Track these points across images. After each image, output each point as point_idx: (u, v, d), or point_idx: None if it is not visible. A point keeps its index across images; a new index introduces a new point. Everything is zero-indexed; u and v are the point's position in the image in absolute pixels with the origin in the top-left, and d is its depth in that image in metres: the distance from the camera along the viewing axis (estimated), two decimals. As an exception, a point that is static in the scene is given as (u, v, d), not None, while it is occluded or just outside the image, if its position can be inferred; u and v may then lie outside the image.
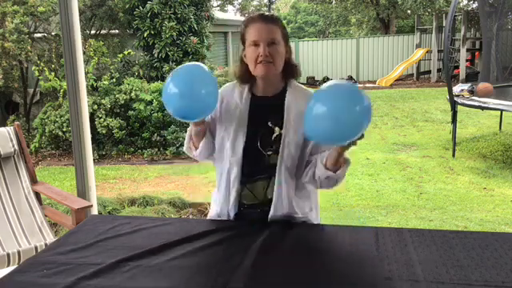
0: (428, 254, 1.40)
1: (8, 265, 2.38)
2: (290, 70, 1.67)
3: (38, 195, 2.85)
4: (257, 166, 1.63)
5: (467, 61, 14.29)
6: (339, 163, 1.54)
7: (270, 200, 1.64)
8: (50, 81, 6.80)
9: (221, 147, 1.69)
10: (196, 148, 1.69)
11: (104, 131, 6.77)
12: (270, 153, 1.61)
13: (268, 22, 1.59)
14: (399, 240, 1.51)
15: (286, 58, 1.63)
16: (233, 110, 1.66)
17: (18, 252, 2.45)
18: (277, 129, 1.61)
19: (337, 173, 1.56)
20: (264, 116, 1.63)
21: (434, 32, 15.55)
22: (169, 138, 6.78)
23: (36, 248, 2.50)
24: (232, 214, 1.68)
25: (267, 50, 1.54)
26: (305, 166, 1.64)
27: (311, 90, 1.71)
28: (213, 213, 1.78)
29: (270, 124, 1.62)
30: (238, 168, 1.63)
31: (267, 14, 1.67)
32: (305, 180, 1.64)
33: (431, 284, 1.24)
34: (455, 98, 6.27)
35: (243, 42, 1.64)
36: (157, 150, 6.89)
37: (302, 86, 1.73)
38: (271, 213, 1.63)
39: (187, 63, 1.65)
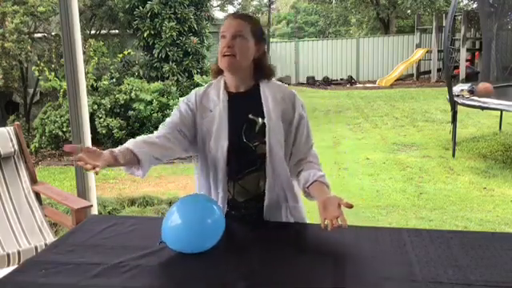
0: (426, 254, 1.40)
1: (8, 265, 2.38)
2: (262, 71, 1.67)
3: (38, 195, 2.85)
4: (245, 160, 1.64)
5: (467, 61, 14.30)
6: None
7: (263, 194, 1.65)
8: (50, 81, 6.80)
9: (203, 149, 1.68)
10: (136, 171, 1.58)
11: (104, 131, 6.77)
12: (256, 143, 1.62)
13: (238, 17, 1.64)
14: (398, 240, 1.51)
15: (256, 57, 1.64)
16: (211, 110, 1.66)
17: (18, 252, 2.45)
18: (259, 119, 1.63)
19: (310, 198, 1.64)
20: (243, 110, 1.64)
21: (433, 32, 15.56)
22: (169, 138, 6.77)
23: (36, 248, 2.50)
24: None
25: (231, 42, 1.58)
26: (288, 157, 1.68)
27: (285, 85, 1.74)
28: None
29: (251, 116, 1.63)
30: (224, 166, 1.62)
31: (241, 12, 1.70)
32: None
33: (430, 284, 1.24)
34: (455, 98, 6.27)
35: None
36: (157, 150, 6.87)
37: (276, 81, 1.73)
38: (265, 210, 1.65)
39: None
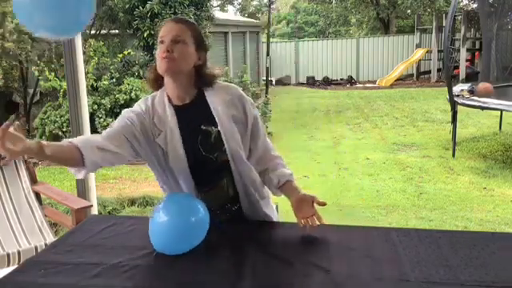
0: (417, 254, 1.40)
1: (8, 265, 2.38)
2: (203, 78, 1.60)
3: (38, 195, 2.85)
4: (209, 172, 1.59)
5: (467, 61, 14.30)
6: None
7: (234, 197, 1.64)
8: (50, 81, 6.80)
9: (164, 169, 1.60)
10: (77, 171, 1.50)
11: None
12: (216, 154, 1.58)
13: (178, 22, 1.58)
14: (387, 240, 1.51)
15: (196, 65, 1.57)
16: (161, 129, 1.56)
17: (18, 252, 2.45)
18: (213, 128, 1.57)
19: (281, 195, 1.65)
20: (194, 122, 1.57)
21: (433, 32, 15.55)
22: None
23: (36, 248, 2.50)
24: None
25: (170, 46, 1.50)
26: (249, 151, 1.65)
27: (229, 83, 1.71)
28: None
29: (203, 127, 1.57)
30: (190, 181, 1.57)
31: (182, 17, 1.69)
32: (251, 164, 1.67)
33: (422, 284, 1.24)
34: (455, 98, 6.27)
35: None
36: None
37: (220, 82, 1.67)
38: (244, 211, 1.65)
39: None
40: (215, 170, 1.60)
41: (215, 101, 1.59)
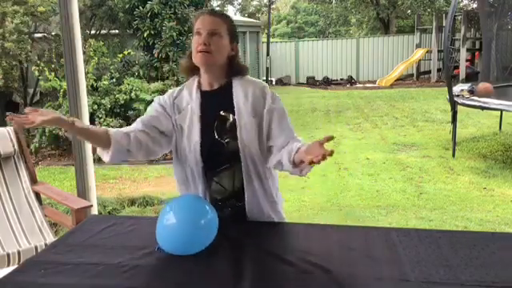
0: (417, 254, 1.40)
1: (8, 265, 2.38)
2: (235, 69, 1.68)
3: (38, 195, 2.85)
4: (218, 156, 1.65)
5: (467, 61, 14.29)
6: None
7: (239, 191, 1.65)
8: (50, 81, 6.80)
9: (177, 148, 1.69)
10: (107, 153, 1.58)
11: (104, 131, 6.76)
12: (227, 140, 1.63)
13: (214, 15, 1.65)
14: (387, 240, 1.51)
15: (230, 56, 1.66)
16: (184, 108, 1.68)
17: (18, 252, 2.45)
18: (230, 116, 1.64)
19: (302, 172, 1.55)
20: (215, 107, 1.66)
21: (434, 32, 15.55)
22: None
23: (36, 248, 2.50)
24: None
25: (207, 39, 1.58)
26: (267, 151, 1.64)
27: (260, 81, 1.73)
28: None
29: (222, 113, 1.65)
30: (199, 162, 1.63)
31: (217, 10, 1.71)
32: (269, 165, 1.67)
33: (422, 284, 1.24)
34: (455, 98, 6.27)
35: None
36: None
37: (250, 77, 1.73)
38: (247, 208, 1.66)
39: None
40: (224, 157, 1.65)
41: (240, 91, 1.66)
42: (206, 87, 1.69)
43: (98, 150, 1.59)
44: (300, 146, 1.54)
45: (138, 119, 1.68)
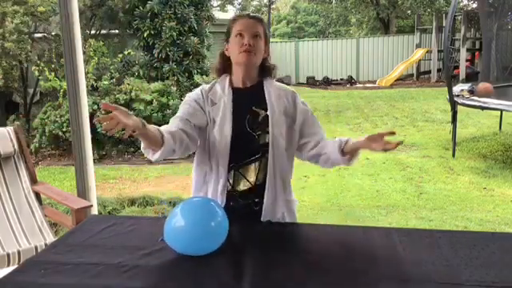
0: (417, 254, 1.40)
1: (8, 265, 2.38)
2: (266, 69, 1.79)
3: (38, 195, 2.85)
4: (248, 148, 1.71)
5: (467, 61, 14.30)
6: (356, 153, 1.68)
7: (260, 186, 1.69)
8: (50, 81, 6.80)
9: (206, 138, 1.72)
10: (153, 151, 1.61)
11: (104, 131, 6.77)
12: (259, 133, 1.70)
13: (254, 18, 1.75)
14: (387, 239, 1.51)
15: (264, 57, 1.75)
16: (217, 101, 1.73)
17: (18, 252, 2.45)
18: (262, 111, 1.72)
19: (350, 162, 1.69)
20: (247, 102, 1.74)
21: (433, 32, 15.55)
22: (169, 138, 6.77)
23: (36, 248, 2.50)
24: (220, 203, 1.68)
25: (251, 41, 1.67)
26: (303, 145, 1.77)
27: (286, 86, 1.84)
28: None
29: (254, 108, 1.72)
30: (227, 152, 1.67)
31: (254, 14, 1.86)
32: (305, 156, 1.79)
33: (422, 284, 1.24)
34: (455, 98, 6.27)
35: (228, 37, 1.75)
36: (157, 150, 6.88)
37: (278, 82, 1.84)
38: (265, 203, 1.69)
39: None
40: (253, 149, 1.70)
41: (272, 91, 1.76)
42: (238, 84, 1.76)
43: (144, 148, 1.60)
44: (347, 139, 1.69)
45: (176, 117, 1.71)
